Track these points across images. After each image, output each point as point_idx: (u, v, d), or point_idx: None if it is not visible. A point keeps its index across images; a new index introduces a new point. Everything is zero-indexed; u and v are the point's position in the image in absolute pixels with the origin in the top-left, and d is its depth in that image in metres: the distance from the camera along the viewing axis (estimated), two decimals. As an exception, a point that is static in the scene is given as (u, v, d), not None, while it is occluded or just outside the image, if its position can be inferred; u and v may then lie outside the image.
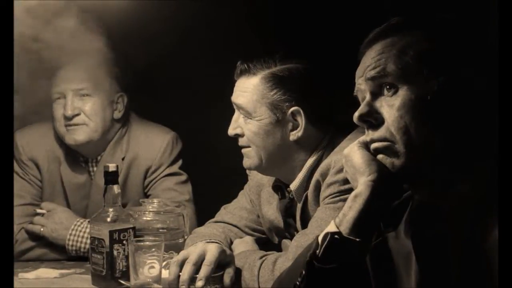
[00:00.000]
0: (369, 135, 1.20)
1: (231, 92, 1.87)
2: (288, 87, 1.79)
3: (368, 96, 1.20)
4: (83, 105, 2.38)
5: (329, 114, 1.84)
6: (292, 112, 1.79)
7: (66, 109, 2.36)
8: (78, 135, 2.38)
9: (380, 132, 1.17)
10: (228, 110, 1.91)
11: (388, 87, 1.17)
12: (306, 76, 1.81)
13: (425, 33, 1.17)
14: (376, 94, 1.19)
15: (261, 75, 1.79)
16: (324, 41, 2.54)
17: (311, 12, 2.64)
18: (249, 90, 1.80)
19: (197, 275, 1.63)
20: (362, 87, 1.21)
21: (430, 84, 1.13)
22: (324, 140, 1.83)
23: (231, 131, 1.88)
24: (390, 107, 1.15)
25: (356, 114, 1.19)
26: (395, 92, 1.15)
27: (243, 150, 1.88)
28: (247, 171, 2.11)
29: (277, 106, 1.79)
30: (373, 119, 1.18)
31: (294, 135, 1.80)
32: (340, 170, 1.67)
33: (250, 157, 1.86)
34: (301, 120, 1.79)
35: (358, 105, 1.22)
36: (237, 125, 1.86)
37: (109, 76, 2.45)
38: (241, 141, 1.87)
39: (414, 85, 1.14)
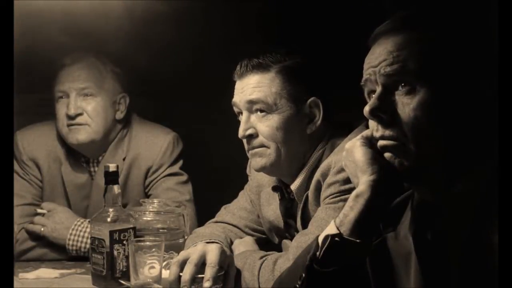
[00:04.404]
0: (379, 131, 1.16)
1: (231, 92, 1.86)
2: (304, 79, 1.80)
3: (380, 90, 1.15)
4: (86, 105, 2.38)
5: (336, 109, 1.85)
6: (309, 104, 1.79)
7: (69, 108, 2.37)
8: (81, 135, 2.38)
9: (392, 130, 1.13)
10: (229, 110, 1.90)
11: (404, 84, 1.12)
12: (318, 68, 1.83)
13: (449, 34, 1.13)
14: (389, 88, 1.14)
15: (276, 69, 1.78)
16: (323, 40, 2.54)
17: (311, 10, 2.64)
18: (265, 84, 1.78)
19: (199, 276, 1.63)
20: (372, 77, 1.16)
21: (448, 86, 1.10)
22: (325, 138, 1.83)
23: (243, 132, 1.81)
24: (406, 105, 1.12)
25: (367, 108, 1.14)
26: (412, 91, 1.12)
27: (255, 151, 1.82)
28: (247, 171, 2.11)
29: (297, 97, 1.79)
30: (385, 115, 1.14)
31: (310, 128, 1.81)
32: (341, 170, 1.67)
33: (264, 155, 1.80)
34: (319, 111, 1.80)
35: (361, 99, 1.19)
36: (250, 125, 1.81)
37: (111, 77, 2.45)
38: (255, 142, 1.80)
39: (433, 86, 1.10)
